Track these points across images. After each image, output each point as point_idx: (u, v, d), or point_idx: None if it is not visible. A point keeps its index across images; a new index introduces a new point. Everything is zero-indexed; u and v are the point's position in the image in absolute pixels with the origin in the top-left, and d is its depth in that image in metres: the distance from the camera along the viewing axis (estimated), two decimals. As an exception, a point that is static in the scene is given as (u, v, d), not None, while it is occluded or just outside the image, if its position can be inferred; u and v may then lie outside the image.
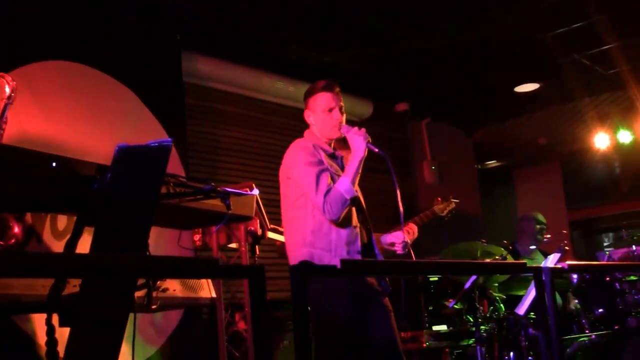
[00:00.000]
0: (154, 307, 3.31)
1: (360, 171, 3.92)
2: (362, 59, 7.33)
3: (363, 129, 3.96)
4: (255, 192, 3.58)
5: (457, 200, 5.16)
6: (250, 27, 6.54)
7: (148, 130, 5.94)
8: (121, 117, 5.81)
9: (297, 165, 3.93)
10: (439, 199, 5.12)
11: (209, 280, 3.93)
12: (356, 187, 3.96)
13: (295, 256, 3.88)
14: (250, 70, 7.27)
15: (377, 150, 3.91)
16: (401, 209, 4.06)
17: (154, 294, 3.39)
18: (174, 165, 6.00)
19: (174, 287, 3.67)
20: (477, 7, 6.44)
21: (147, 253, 2.90)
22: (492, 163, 11.76)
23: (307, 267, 2.60)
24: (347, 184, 3.83)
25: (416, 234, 4.42)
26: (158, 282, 3.45)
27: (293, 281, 2.47)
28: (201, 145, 6.90)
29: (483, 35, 6.99)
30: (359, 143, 3.90)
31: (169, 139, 2.75)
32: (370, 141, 3.92)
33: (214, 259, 2.43)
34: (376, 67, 7.65)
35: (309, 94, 4.10)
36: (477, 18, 6.64)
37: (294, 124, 7.03)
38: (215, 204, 3.25)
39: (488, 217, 10.60)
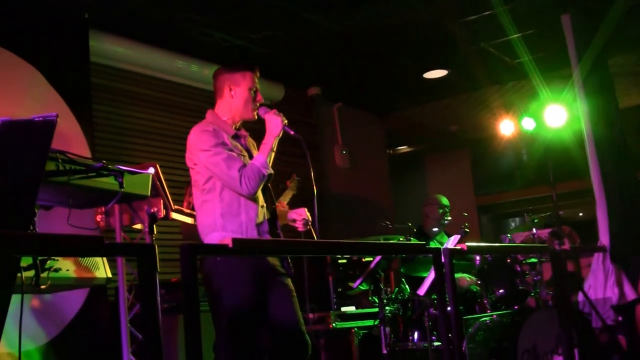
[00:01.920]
0: (43, 287, 3.25)
1: (275, 149, 3.98)
2: (274, 42, 7.32)
3: (280, 113, 4.04)
4: (151, 170, 3.56)
5: (298, 179, 5.56)
6: (160, 8, 6.46)
7: (52, 110, 5.78)
8: (23, 95, 5.66)
9: (201, 149, 3.94)
10: (288, 181, 5.58)
11: (105, 260, 3.90)
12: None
13: (208, 242, 3.90)
14: (160, 52, 7.20)
15: (292, 132, 3.97)
16: (315, 189, 4.14)
17: (45, 274, 3.34)
18: (79, 146, 5.90)
19: (66, 267, 3.63)
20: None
21: (34, 231, 2.86)
22: (403, 148, 11.92)
23: (196, 246, 2.61)
24: (262, 159, 3.91)
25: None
26: (49, 262, 3.39)
27: (183, 260, 2.49)
28: (108, 126, 6.80)
29: (394, 21, 7.05)
30: (276, 123, 3.98)
31: (54, 114, 2.71)
32: (287, 124, 3.98)
33: (98, 236, 2.40)
34: (288, 50, 7.65)
35: (237, 68, 4.13)
36: (387, 4, 6.69)
37: (205, 107, 6.97)
38: (108, 182, 3.21)
39: (400, 201, 10.76)
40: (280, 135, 3.99)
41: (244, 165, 3.87)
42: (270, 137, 3.97)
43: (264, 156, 3.92)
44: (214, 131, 3.98)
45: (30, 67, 5.78)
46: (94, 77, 6.57)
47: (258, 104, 4.10)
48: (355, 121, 9.85)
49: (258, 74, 4.15)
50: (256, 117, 4.09)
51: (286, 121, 4.00)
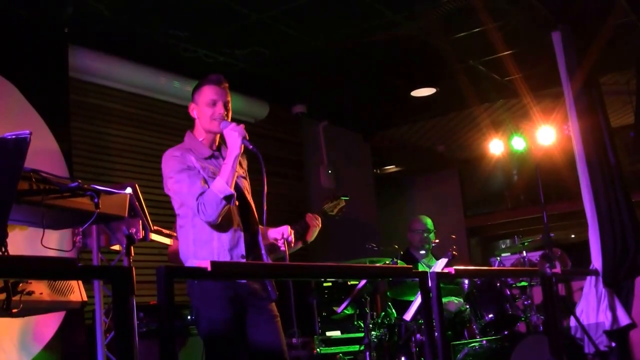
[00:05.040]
0: (14, 311, 3.11)
1: (236, 169, 3.82)
2: (258, 59, 7.20)
3: (241, 125, 3.87)
4: (128, 190, 3.41)
5: (346, 198, 5.16)
6: (141, 24, 6.33)
7: (29, 127, 5.61)
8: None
9: (168, 176, 3.90)
10: (328, 198, 5.10)
11: (80, 283, 3.75)
12: (245, 185, 3.97)
13: None
14: (141, 68, 7.06)
15: (251, 147, 3.81)
16: (265, 207, 3.89)
17: (18, 297, 3.20)
18: (57, 164, 5.76)
19: (40, 290, 3.46)
20: (374, 11, 6.38)
21: (5, 253, 2.71)
22: (390, 168, 11.83)
23: (173, 270, 2.53)
24: (220, 184, 3.75)
25: (320, 224, 4.47)
26: (22, 285, 3.24)
27: (159, 284, 2.43)
28: (87, 144, 6.66)
29: (380, 38, 6.96)
30: (234, 139, 3.81)
31: (27, 132, 2.60)
32: (247, 137, 3.83)
33: (71, 259, 2.27)
34: (273, 68, 7.54)
35: (195, 88, 4.04)
36: (374, 22, 6.60)
37: (188, 125, 6.86)
38: (83, 202, 3.07)
39: (387, 222, 10.64)
40: (241, 151, 3.82)
41: (203, 193, 3.74)
42: (229, 158, 3.80)
43: (222, 180, 3.76)
44: (181, 156, 3.89)
45: (6, 83, 5.64)
46: (73, 93, 6.44)
47: (221, 114, 3.91)
48: (340, 140, 9.76)
49: (224, 85, 3.98)
50: (221, 129, 3.93)
51: (246, 134, 3.83)
